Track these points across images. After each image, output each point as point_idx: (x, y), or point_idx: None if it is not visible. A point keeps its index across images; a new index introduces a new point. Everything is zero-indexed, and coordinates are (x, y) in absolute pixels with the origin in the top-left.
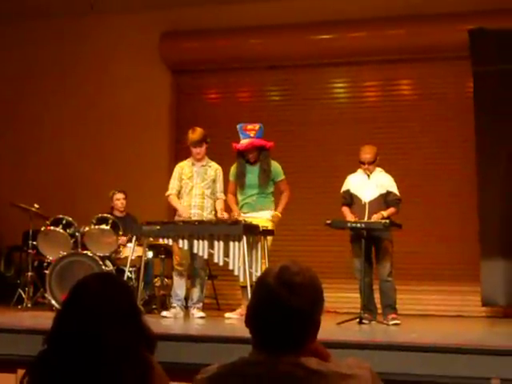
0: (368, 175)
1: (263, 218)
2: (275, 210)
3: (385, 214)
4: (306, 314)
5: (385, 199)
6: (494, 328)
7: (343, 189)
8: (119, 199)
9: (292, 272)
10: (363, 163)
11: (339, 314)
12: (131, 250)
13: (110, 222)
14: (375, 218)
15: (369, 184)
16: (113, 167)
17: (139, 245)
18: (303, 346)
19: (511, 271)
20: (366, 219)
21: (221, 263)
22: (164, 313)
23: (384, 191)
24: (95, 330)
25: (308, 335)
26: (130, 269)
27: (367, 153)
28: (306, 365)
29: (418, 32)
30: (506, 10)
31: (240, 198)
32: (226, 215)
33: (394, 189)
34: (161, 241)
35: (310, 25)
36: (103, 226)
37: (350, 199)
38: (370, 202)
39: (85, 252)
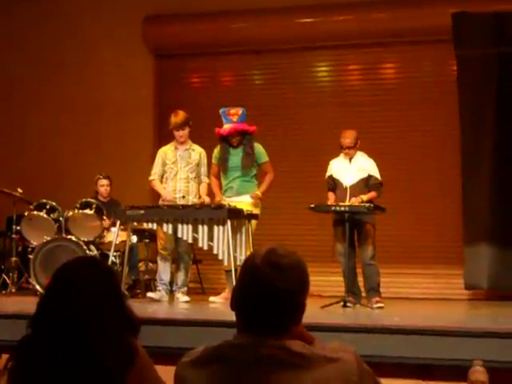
0: (349, 159)
1: (246, 201)
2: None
3: (364, 197)
4: (293, 296)
5: (366, 183)
6: (477, 310)
7: (327, 174)
8: (103, 185)
9: (279, 254)
10: (343, 147)
11: (323, 298)
12: (115, 235)
13: (94, 206)
14: (354, 201)
15: (350, 168)
16: (96, 152)
17: (123, 229)
18: (288, 328)
19: (494, 255)
20: (347, 203)
21: (205, 247)
22: (149, 293)
23: (365, 175)
24: (78, 313)
25: (293, 318)
26: (114, 253)
27: (346, 137)
28: (290, 348)
29: (401, 16)
30: None
31: (224, 182)
32: (207, 200)
33: (376, 172)
34: (145, 225)
35: (294, 8)
36: (87, 211)
37: (334, 184)
38: (352, 186)
39: (69, 237)
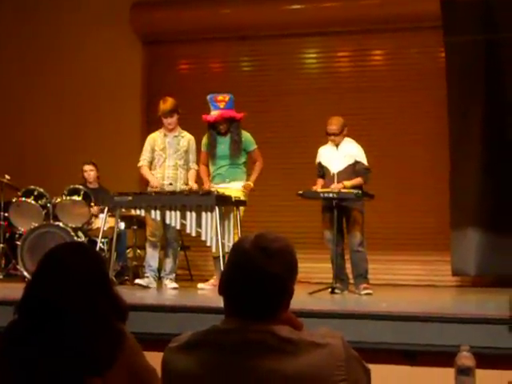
0: (336, 146)
1: (234, 188)
2: (247, 180)
3: (348, 183)
4: (281, 280)
5: (353, 169)
6: (464, 296)
7: (316, 161)
8: (86, 171)
9: (268, 239)
10: (329, 134)
11: (311, 284)
12: (103, 221)
13: (82, 193)
14: (334, 187)
15: (337, 155)
16: (85, 138)
17: (111, 216)
18: (276, 313)
19: (481, 241)
20: (330, 189)
21: (193, 234)
22: (138, 280)
23: (352, 161)
24: (65, 299)
25: (281, 303)
26: (102, 240)
27: (333, 124)
28: (277, 333)
29: (390, 2)
30: None
31: (212, 169)
32: (195, 186)
33: (362, 158)
34: (133, 212)
35: None
36: (75, 197)
37: (323, 171)
38: (339, 173)
39: (57, 223)
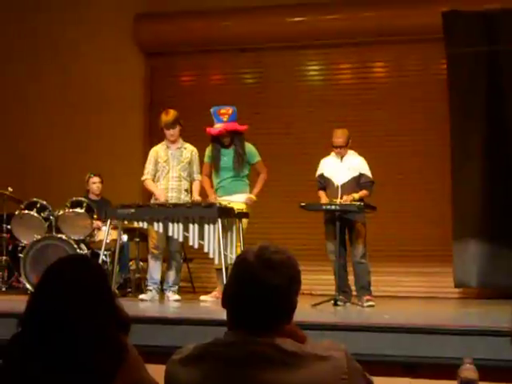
0: (341, 158)
1: (238, 201)
2: (250, 192)
3: (356, 196)
4: (284, 292)
5: (357, 182)
6: (467, 309)
7: (318, 173)
8: (95, 182)
9: (271, 251)
10: (335, 147)
11: (314, 296)
12: (106, 234)
13: (85, 205)
14: (346, 199)
15: (341, 167)
16: (87, 150)
17: (114, 228)
18: (279, 326)
19: (483, 252)
20: (338, 202)
21: (196, 246)
22: (142, 296)
23: (356, 174)
24: (68, 312)
25: (284, 315)
26: (105, 252)
27: (339, 137)
28: (280, 346)
29: (392, 14)
30: None
31: (215, 181)
32: (198, 199)
33: (367, 171)
34: (135, 224)
35: (284, 7)
36: (78, 210)
37: (325, 183)
38: (343, 185)
39: (59, 235)
